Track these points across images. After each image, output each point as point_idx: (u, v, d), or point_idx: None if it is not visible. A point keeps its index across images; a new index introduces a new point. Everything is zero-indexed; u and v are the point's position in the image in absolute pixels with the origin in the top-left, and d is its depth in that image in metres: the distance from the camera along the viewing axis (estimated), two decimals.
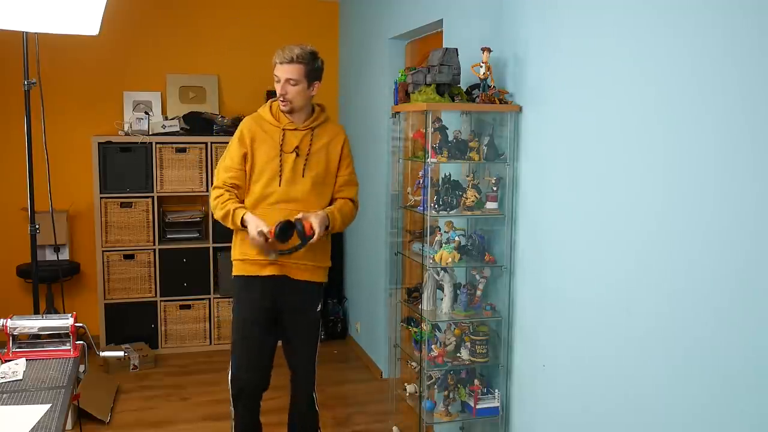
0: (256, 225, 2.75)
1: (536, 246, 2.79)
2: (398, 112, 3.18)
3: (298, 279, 2.96)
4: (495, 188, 2.94)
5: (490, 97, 2.86)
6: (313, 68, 2.83)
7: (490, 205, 2.96)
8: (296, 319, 3.01)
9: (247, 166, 2.89)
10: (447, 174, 3.01)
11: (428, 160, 2.84)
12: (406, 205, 3.17)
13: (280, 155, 2.86)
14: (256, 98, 5.39)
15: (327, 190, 2.98)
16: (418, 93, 2.91)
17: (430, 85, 2.88)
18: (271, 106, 2.94)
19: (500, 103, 2.86)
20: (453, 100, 2.93)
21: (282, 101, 2.84)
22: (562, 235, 2.60)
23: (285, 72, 2.78)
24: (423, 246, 2.96)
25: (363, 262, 5.19)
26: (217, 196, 2.89)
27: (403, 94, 3.08)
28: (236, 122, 4.65)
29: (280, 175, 2.87)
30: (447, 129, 2.93)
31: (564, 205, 2.58)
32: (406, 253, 3.22)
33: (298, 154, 2.87)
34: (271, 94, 5.35)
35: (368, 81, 4.96)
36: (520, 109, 2.85)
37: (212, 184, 2.98)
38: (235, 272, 3.00)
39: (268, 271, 2.93)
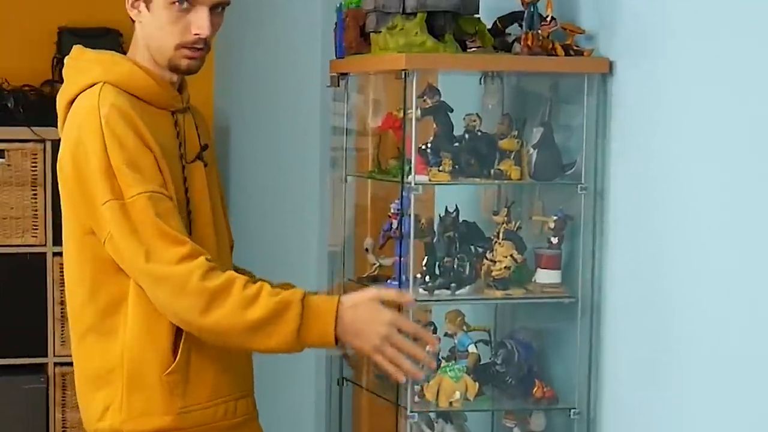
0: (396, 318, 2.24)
1: (648, 365, 2.34)
2: (345, 74, 2.78)
3: None
4: (555, 240, 2.51)
5: (545, 41, 2.46)
6: None
7: (545, 275, 2.54)
8: None
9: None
10: (451, 209, 2.55)
11: (410, 178, 2.42)
12: (361, 276, 2.79)
13: (183, 167, 2.48)
14: (40, 48, 5.09)
15: None
16: (388, 32, 2.51)
17: (413, 14, 2.46)
18: (139, 69, 2.41)
19: (567, 54, 2.48)
20: (464, 49, 2.50)
21: (197, 51, 2.40)
22: (704, 340, 2.15)
23: None
24: None
25: (274, 396, 4.57)
26: (210, 274, 2.22)
27: (355, 33, 2.69)
28: (21, 99, 4.69)
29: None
30: (452, 111, 2.50)
31: (707, 271, 2.13)
32: (361, 382, 2.77)
33: (203, 161, 2.54)
34: (66, 35, 4.97)
35: (276, 10, 4.48)
36: (611, 67, 2.44)
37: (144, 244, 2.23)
38: None
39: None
